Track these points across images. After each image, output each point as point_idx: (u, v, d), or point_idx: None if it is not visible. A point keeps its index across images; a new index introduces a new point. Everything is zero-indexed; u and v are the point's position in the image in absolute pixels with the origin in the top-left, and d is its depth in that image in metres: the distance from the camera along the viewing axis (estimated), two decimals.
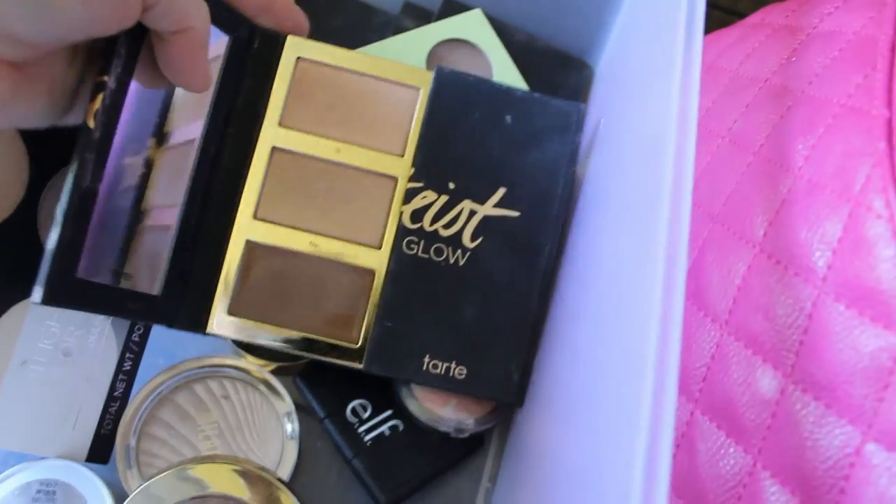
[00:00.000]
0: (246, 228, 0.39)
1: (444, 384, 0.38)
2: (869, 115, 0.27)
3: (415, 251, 0.38)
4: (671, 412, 0.22)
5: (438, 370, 0.38)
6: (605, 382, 0.27)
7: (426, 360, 0.38)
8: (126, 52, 0.34)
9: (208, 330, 0.38)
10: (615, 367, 0.26)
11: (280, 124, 0.39)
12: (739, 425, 0.28)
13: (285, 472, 0.41)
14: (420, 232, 0.39)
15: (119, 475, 0.39)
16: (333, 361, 0.38)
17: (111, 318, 0.40)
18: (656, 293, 0.23)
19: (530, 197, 0.39)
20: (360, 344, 0.38)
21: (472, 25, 0.46)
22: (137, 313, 0.36)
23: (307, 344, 0.38)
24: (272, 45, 0.40)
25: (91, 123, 0.32)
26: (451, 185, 0.39)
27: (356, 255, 0.39)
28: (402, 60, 0.43)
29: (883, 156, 0.26)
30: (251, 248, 0.39)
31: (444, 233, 0.39)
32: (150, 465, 0.40)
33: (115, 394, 0.40)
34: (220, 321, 0.38)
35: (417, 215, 0.39)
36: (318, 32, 0.50)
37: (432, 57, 0.45)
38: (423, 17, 0.48)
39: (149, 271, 0.38)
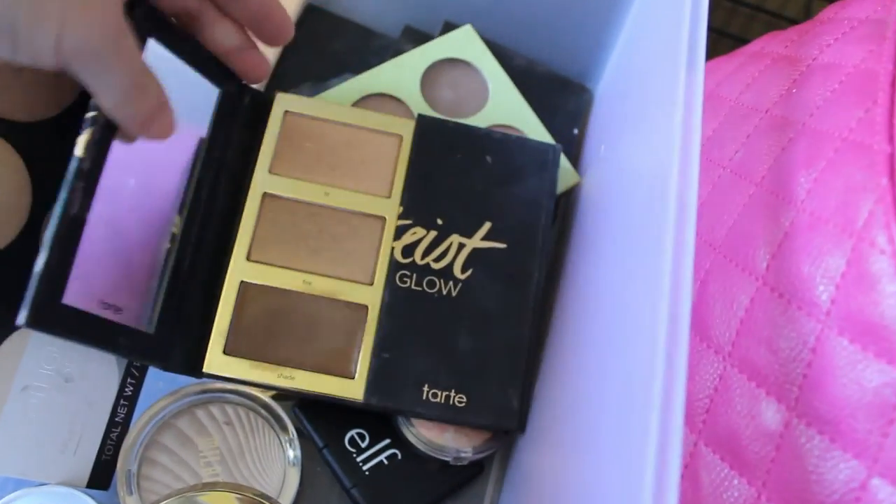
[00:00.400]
0: (240, 270, 0.40)
1: (445, 413, 0.38)
2: (871, 149, 0.27)
3: (408, 284, 0.39)
4: (678, 443, 0.22)
5: (438, 399, 0.38)
6: (610, 410, 0.27)
7: (425, 389, 0.38)
8: None
9: (205, 369, 0.38)
10: (620, 395, 0.26)
11: (270, 171, 0.41)
12: (743, 458, 0.28)
13: (287, 498, 0.40)
14: (412, 266, 0.40)
15: (120, 501, 0.39)
16: (332, 395, 0.38)
17: None
18: (661, 324, 0.23)
19: (515, 229, 0.41)
20: (356, 378, 0.39)
21: (464, 43, 0.46)
22: (127, 349, 0.37)
23: (304, 380, 0.38)
24: (262, 99, 0.42)
25: (81, 153, 0.33)
26: (440, 221, 0.40)
27: (349, 292, 0.40)
28: (397, 84, 0.45)
29: (885, 191, 0.26)
30: (245, 288, 0.40)
31: (436, 265, 0.40)
32: (152, 490, 0.40)
33: (117, 419, 0.40)
34: (216, 361, 0.38)
35: (408, 250, 0.40)
36: (320, 55, 0.50)
37: (427, 78, 0.45)
38: (423, 40, 0.48)
39: (142, 309, 0.39)
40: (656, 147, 0.29)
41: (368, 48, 0.51)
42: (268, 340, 0.39)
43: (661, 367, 0.23)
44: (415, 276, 0.39)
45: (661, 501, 0.21)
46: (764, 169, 0.32)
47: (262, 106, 0.42)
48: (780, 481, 0.27)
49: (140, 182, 0.40)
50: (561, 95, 0.49)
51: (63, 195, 0.33)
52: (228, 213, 0.41)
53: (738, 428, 0.29)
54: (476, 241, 0.40)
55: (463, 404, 0.38)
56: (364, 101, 0.45)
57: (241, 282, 0.40)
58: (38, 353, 0.39)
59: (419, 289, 0.39)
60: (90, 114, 0.34)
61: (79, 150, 0.34)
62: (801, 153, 0.30)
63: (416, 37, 0.49)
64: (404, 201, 0.40)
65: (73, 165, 0.34)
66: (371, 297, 0.40)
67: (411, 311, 0.39)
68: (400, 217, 0.40)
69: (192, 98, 0.40)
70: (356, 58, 0.50)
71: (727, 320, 0.30)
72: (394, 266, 0.39)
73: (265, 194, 0.41)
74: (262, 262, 0.40)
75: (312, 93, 0.46)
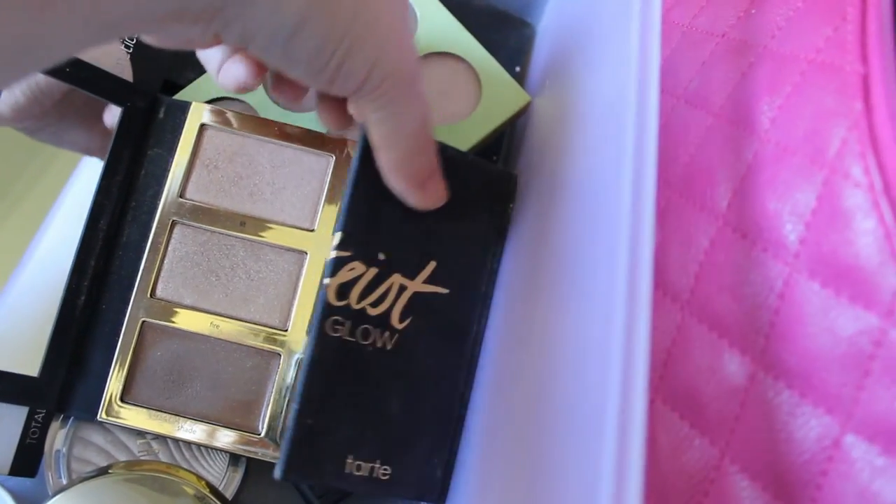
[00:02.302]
0: (142, 308, 0.35)
1: (367, 486, 0.32)
2: (842, 71, 0.23)
3: (340, 334, 0.31)
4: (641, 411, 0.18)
5: (361, 472, 0.31)
6: (564, 372, 0.23)
7: (349, 461, 0.31)
8: None
9: (99, 417, 0.34)
10: (575, 353, 0.22)
11: (181, 196, 0.36)
12: (705, 416, 0.25)
13: (230, 489, 0.36)
14: (346, 310, 0.31)
15: (49, 489, 0.35)
16: (238, 450, 0.34)
17: None
18: (621, 279, 0.20)
19: (460, 272, 0.34)
20: (263, 433, 0.34)
21: None
22: (5, 394, 0.33)
23: (206, 434, 0.34)
24: (180, 113, 0.37)
25: None
26: (381, 257, 0.32)
27: (260, 337, 0.35)
28: None
29: (860, 117, 0.22)
30: (147, 329, 0.35)
31: (372, 311, 0.32)
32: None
33: None
34: (114, 408, 0.34)
35: (344, 291, 0.31)
36: None
37: None
38: None
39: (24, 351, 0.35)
40: (609, 80, 0.25)
41: None
42: (169, 388, 0.35)
43: (621, 318, 0.19)
44: (349, 323, 0.31)
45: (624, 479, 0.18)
46: (722, 98, 0.28)
47: (178, 120, 0.36)
48: (746, 440, 0.24)
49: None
50: (501, 31, 0.44)
51: None
52: (136, 243, 0.36)
53: (698, 383, 0.25)
54: (418, 284, 0.33)
55: (387, 477, 0.32)
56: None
57: (142, 322, 0.35)
58: None
59: (352, 339, 0.31)
60: None
61: None
62: (764, 79, 0.26)
63: None
64: (345, 227, 0.31)
65: None
66: (284, 343, 0.35)
67: (341, 367, 0.31)
68: (338, 247, 0.31)
69: None
70: None
71: (685, 265, 0.27)
72: (326, 310, 0.30)
73: (174, 222, 0.36)
74: (166, 301, 0.35)
75: None
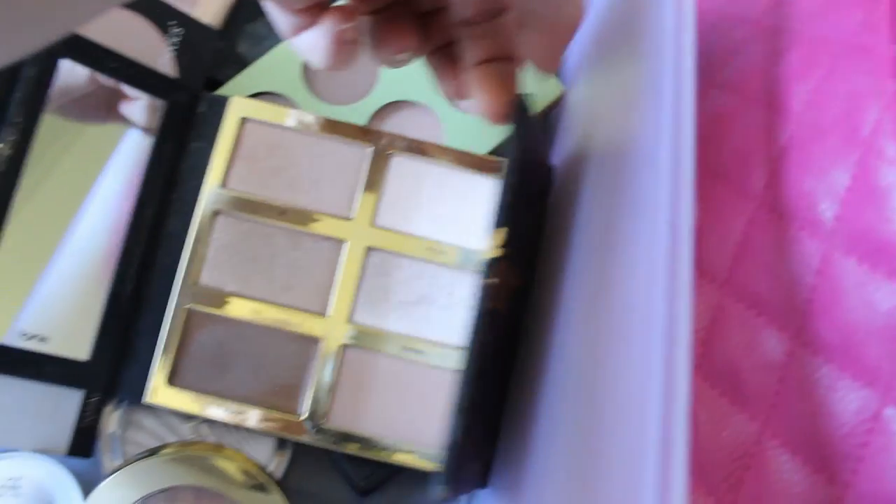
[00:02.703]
0: (187, 295, 0.36)
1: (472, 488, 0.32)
2: (874, 52, 0.24)
3: (491, 337, 0.28)
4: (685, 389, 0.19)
5: (479, 474, 0.31)
6: (617, 357, 0.24)
7: (480, 466, 0.30)
8: (23, 120, 0.33)
9: (145, 400, 0.36)
10: (621, 332, 0.23)
11: (223, 187, 0.37)
12: (744, 392, 0.26)
13: (277, 474, 0.37)
14: (494, 312, 0.28)
15: (103, 469, 0.36)
16: (279, 435, 0.36)
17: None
18: (661, 270, 0.20)
19: (526, 265, 0.33)
20: (305, 416, 0.35)
21: None
22: (56, 377, 0.35)
23: (250, 416, 0.35)
24: (219, 107, 0.38)
25: None
26: (509, 253, 0.29)
27: (301, 323, 0.36)
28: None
29: (893, 97, 0.23)
30: (192, 315, 0.36)
31: (502, 310, 0.29)
32: None
33: None
34: (160, 391, 0.36)
35: (497, 294, 0.28)
36: None
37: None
38: None
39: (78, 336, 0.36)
40: (644, 69, 0.25)
41: None
42: (213, 372, 0.36)
43: (663, 300, 0.20)
44: (494, 326, 0.28)
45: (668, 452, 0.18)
46: (756, 82, 0.28)
47: (219, 113, 0.38)
48: (786, 415, 0.24)
49: (90, 208, 0.38)
50: None
51: None
52: (179, 233, 0.37)
53: (737, 361, 0.26)
54: (518, 280, 0.31)
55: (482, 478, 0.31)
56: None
57: (187, 308, 0.36)
58: None
59: (494, 341, 0.28)
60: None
61: None
62: (797, 62, 0.27)
63: None
64: (505, 224, 0.28)
65: None
66: (323, 328, 0.36)
67: (487, 373, 0.28)
68: (498, 246, 0.27)
69: None
70: None
71: (721, 247, 0.27)
72: (485, 316, 0.27)
73: (216, 212, 0.37)
74: (209, 287, 0.36)
75: (269, 29, 0.41)
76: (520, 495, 0.27)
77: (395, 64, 0.29)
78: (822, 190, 0.24)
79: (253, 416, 0.35)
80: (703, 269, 0.28)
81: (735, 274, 0.27)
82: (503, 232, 0.28)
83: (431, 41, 0.29)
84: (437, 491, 0.25)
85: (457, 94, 0.30)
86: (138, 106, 0.37)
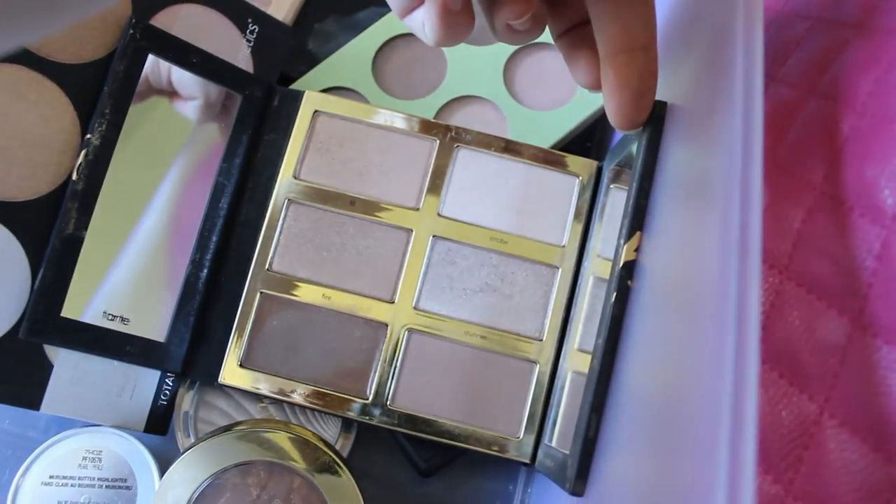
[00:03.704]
0: (260, 280, 0.38)
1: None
2: None
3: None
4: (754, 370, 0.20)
5: None
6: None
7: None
8: (111, 111, 0.36)
9: (220, 380, 0.38)
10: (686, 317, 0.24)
11: (295, 177, 0.39)
12: (803, 374, 0.26)
13: (346, 447, 0.39)
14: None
15: (179, 446, 0.39)
16: (346, 416, 0.37)
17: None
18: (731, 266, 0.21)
19: None
20: (371, 399, 0.37)
21: None
22: (135, 356, 0.37)
23: (319, 398, 0.37)
24: (292, 101, 0.40)
25: (75, 177, 0.35)
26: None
27: (369, 309, 0.38)
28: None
29: None
30: (264, 300, 0.38)
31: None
32: None
33: None
34: (233, 373, 0.38)
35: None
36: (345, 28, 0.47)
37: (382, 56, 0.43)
38: None
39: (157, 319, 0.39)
40: (710, 65, 0.26)
41: None
42: (284, 355, 0.38)
43: (733, 285, 0.21)
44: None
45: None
46: (817, 76, 0.29)
47: (292, 106, 0.40)
48: (845, 396, 0.25)
49: (161, 195, 0.40)
50: None
51: (60, 217, 0.35)
52: (253, 221, 0.39)
53: (797, 344, 0.27)
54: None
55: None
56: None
57: (260, 293, 0.38)
58: None
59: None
60: (87, 136, 0.35)
61: (74, 173, 0.35)
62: (859, 55, 0.28)
63: None
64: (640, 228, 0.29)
65: (69, 188, 0.35)
66: (391, 314, 0.38)
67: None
68: (637, 249, 0.28)
69: None
70: None
71: (782, 232, 0.28)
72: (620, 318, 0.28)
73: (289, 201, 0.39)
74: (282, 274, 0.38)
75: (338, 28, 0.43)
76: (591, 484, 0.28)
77: (515, 36, 0.27)
78: (885, 176, 0.25)
79: (320, 398, 0.37)
80: (764, 256, 0.29)
81: (795, 260, 0.27)
82: (639, 237, 0.29)
83: (562, 19, 0.28)
84: (572, 486, 0.27)
85: (592, 84, 0.29)
86: (191, 105, 0.39)
